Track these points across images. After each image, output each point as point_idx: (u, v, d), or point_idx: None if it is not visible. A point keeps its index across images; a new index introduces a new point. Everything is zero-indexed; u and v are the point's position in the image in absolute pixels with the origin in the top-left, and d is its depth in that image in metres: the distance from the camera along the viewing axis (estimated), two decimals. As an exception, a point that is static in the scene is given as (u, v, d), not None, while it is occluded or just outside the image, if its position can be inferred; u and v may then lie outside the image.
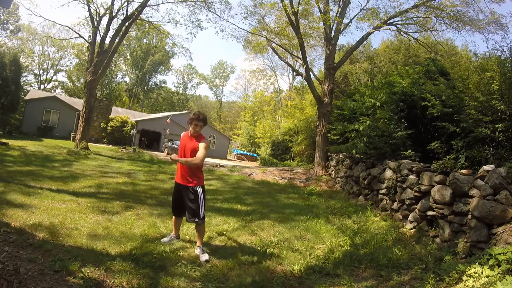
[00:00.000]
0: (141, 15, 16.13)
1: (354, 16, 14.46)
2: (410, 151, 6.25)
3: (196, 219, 3.53)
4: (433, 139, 5.84)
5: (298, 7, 12.28)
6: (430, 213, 4.68)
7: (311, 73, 14.25)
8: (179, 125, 29.36)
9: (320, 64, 39.68)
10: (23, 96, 26.16)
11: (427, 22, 13.85)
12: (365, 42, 16.94)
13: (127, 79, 50.60)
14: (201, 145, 3.62)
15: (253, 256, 3.65)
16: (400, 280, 3.26)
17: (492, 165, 4.05)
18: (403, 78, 7.34)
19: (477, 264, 3.00)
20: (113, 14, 15.57)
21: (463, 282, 2.86)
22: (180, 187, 3.69)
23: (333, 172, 10.95)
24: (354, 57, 21.43)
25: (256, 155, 34.28)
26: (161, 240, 3.80)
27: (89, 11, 15.17)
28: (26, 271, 2.52)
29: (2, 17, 35.18)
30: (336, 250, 4.05)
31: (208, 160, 23.71)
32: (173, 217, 3.94)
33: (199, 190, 3.61)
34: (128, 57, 47.87)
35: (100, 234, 3.79)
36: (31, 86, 41.07)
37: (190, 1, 16.50)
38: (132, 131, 26.23)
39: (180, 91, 57.54)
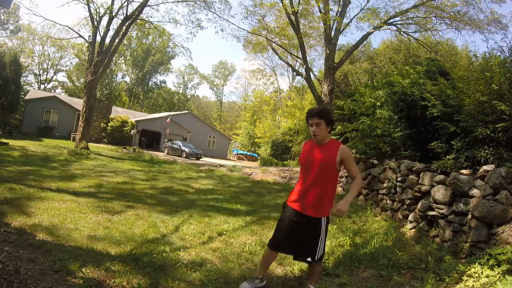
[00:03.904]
0: (141, 15, 16.15)
1: (354, 16, 14.47)
2: (410, 151, 6.25)
3: (309, 259, 2.62)
4: (433, 139, 5.83)
5: (298, 7, 12.30)
6: (430, 213, 4.68)
7: (311, 73, 14.27)
8: (179, 125, 29.40)
9: (320, 64, 39.71)
10: (23, 96, 26.18)
11: (427, 22, 13.87)
12: (365, 42, 16.97)
13: (127, 79, 50.68)
14: (343, 155, 2.52)
15: (253, 256, 3.65)
16: (400, 280, 3.26)
17: (492, 165, 4.05)
18: (404, 78, 7.33)
19: (477, 264, 3.00)
20: (113, 14, 15.58)
21: (463, 282, 2.86)
22: (299, 216, 2.60)
23: (333, 172, 10.94)
24: (354, 57, 21.44)
25: (256, 155, 34.29)
26: (241, 285, 2.80)
27: (89, 11, 15.18)
28: (26, 271, 2.52)
29: (2, 17, 35.17)
30: (336, 250, 4.04)
31: (208, 160, 23.74)
32: (268, 251, 2.79)
33: (323, 222, 2.58)
34: (128, 57, 47.90)
35: (100, 234, 3.78)
36: (31, 86, 41.12)
37: (190, 1, 16.53)
38: (132, 131, 26.24)
39: (180, 91, 57.57)
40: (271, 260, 2.87)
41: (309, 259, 2.62)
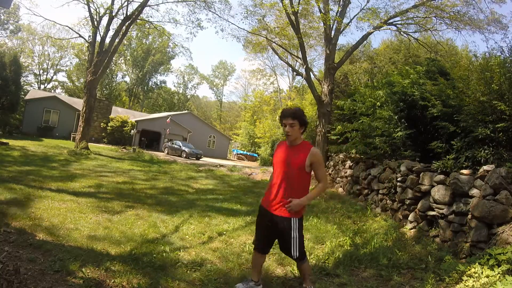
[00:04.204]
0: (141, 15, 16.14)
1: (354, 16, 14.46)
2: (410, 151, 6.25)
3: (294, 257, 2.63)
4: (433, 139, 5.84)
5: (298, 7, 12.29)
6: (430, 213, 4.68)
7: (311, 73, 14.25)
8: (179, 125, 29.39)
9: (320, 64, 39.71)
10: (23, 96, 26.17)
11: (427, 22, 13.86)
12: (365, 42, 16.94)
13: (127, 79, 50.66)
14: (313, 159, 2.52)
15: (253, 256, 3.65)
16: (400, 280, 3.26)
17: (492, 165, 4.05)
18: (404, 78, 7.33)
19: (477, 264, 3.00)
20: (113, 14, 15.58)
21: (463, 282, 2.86)
22: (270, 216, 2.61)
23: (333, 172, 10.95)
24: (354, 57, 21.40)
25: (256, 155, 34.29)
26: (236, 286, 2.80)
27: (89, 11, 15.18)
28: (26, 271, 2.52)
29: (2, 17, 35.18)
30: (336, 250, 4.05)
31: (208, 160, 23.73)
32: (255, 253, 2.80)
33: (294, 223, 2.55)
34: (129, 57, 47.89)
35: (100, 234, 3.79)
36: (31, 86, 41.11)
37: (190, 1, 16.52)
38: (132, 131, 26.23)
39: (180, 91, 57.57)
40: (259, 262, 2.84)
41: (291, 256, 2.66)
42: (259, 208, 2.79)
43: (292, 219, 2.55)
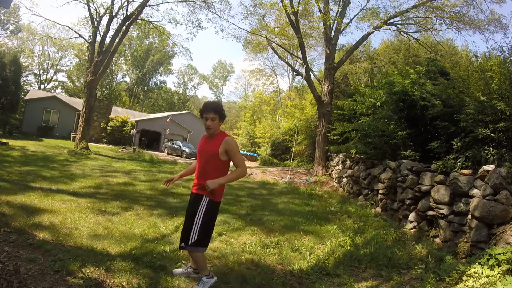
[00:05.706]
0: (141, 15, 16.14)
1: (354, 16, 14.47)
2: (410, 151, 6.25)
3: (182, 244, 2.55)
4: (433, 139, 5.84)
5: (298, 7, 12.29)
6: (430, 213, 4.68)
7: (311, 73, 14.26)
8: (179, 125, 29.39)
9: (320, 64, 39.65)
10: (23, 96, 26.14)
11: (427, 22, 13.86)
12: (365, 42, 16.96)
13: (127, 79, 50.60)
14: (226, 147, 2.59)
15: (253, 256, 3.65)
16: (400, 280, 3.26)
17: (492, 165, 4.04)
18: (404, 78, 7.34)
19: (477, 264, 3.00)
20: (113, 14, 15.57)
21: (463, 282, 2.86)
22: (191, 196, 2.74)
23: (333, 172, 10.95)
24: (354, 57, 21.42)
25: (256, 155, 34.27)
26: (174, 271, 2.92)
27: (89, 11, 15.18)
28: (26, 271, 2.52)
29: (2, 17, 35.17)
30: (336, 250, 4.05)
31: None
32: None
33: (206, 205, 2.56)
34: (129, 57, 47.87)
35: (100, 234, 3.79)
36: (31, 86, 41.07)
37: (190, 1, 16.51)
38: (132, 131, 26.22)
39: (180, 91, 57.57)
40: None
41: (182, 244, 2.55)
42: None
43: (204, 196, 2.59)
